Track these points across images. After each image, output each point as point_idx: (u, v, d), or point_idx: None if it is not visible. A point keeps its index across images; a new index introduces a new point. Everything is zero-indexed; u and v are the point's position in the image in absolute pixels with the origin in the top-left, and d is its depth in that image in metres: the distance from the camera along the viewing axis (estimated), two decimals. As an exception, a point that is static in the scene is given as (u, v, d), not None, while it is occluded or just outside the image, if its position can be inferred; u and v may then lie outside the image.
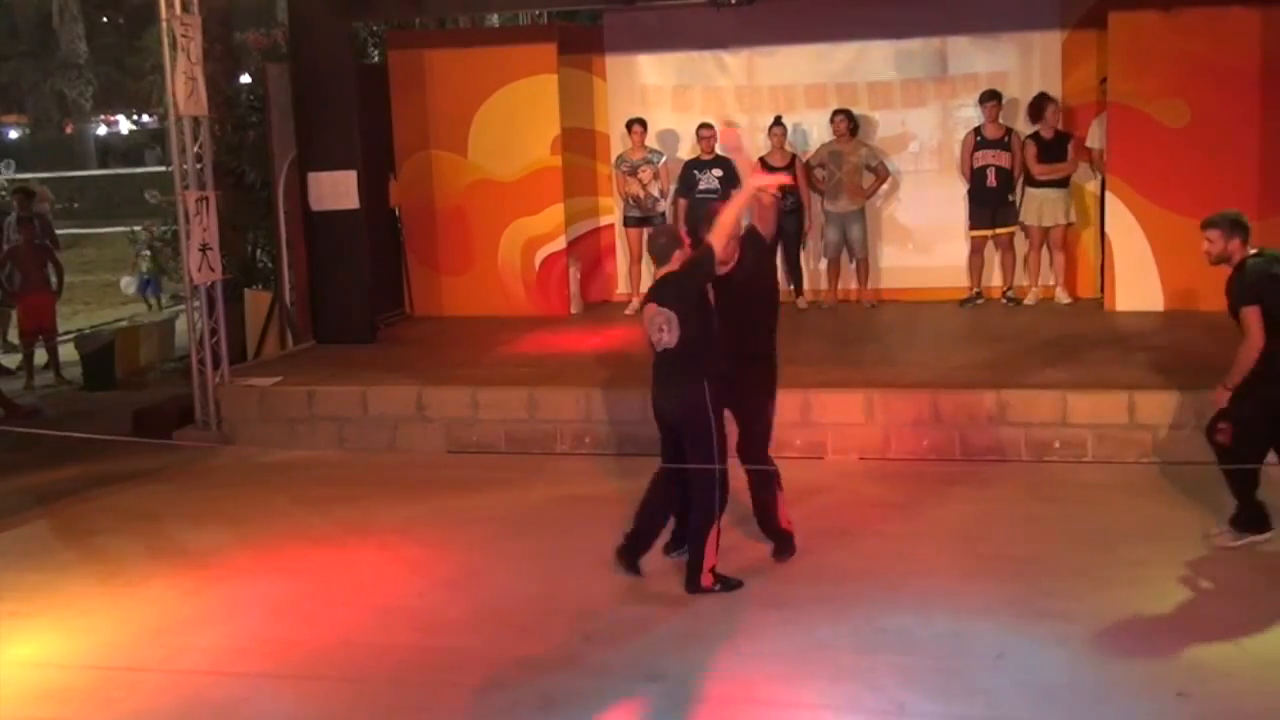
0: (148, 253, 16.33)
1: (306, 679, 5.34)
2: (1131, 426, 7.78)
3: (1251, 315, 5.94)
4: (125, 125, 39.38)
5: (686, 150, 11.75)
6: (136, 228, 16.75)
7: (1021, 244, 11.22)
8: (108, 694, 5.27)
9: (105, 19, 35.88)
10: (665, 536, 6.30)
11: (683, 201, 11.42)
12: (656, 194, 11.54)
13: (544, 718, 4.92)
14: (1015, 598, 5.81)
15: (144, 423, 9.73)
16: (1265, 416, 6.09)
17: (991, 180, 10.95)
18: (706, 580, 5.95)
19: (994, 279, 11.34)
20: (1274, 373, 6.00)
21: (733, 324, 6.02)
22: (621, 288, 12.08)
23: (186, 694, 5.23)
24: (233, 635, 5.81)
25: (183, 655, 5.61)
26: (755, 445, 6.33)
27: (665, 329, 5.78)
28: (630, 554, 6.17)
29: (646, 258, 11.54)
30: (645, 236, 11.59)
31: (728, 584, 6.00)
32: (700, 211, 6.99)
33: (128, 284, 16.95)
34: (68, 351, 12.66)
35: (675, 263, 5.94)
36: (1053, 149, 10.84)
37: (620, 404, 8.39)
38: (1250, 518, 6.25)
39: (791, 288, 11.55)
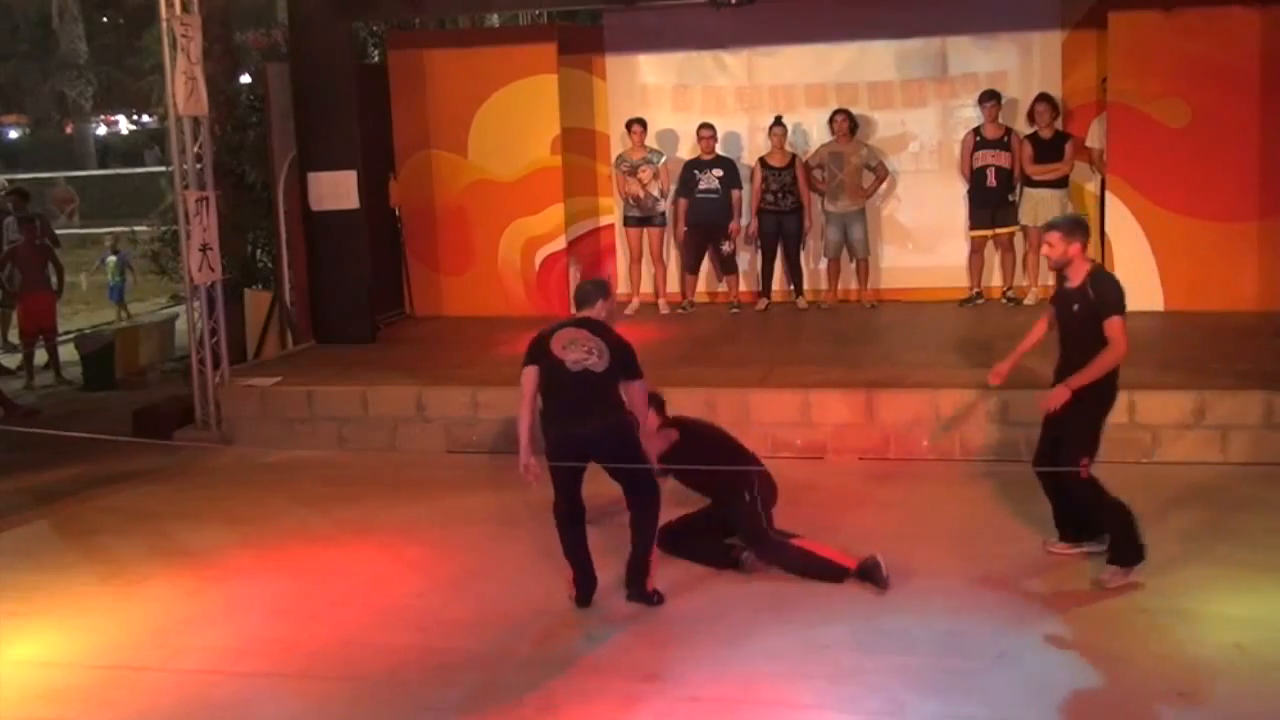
0: (113, 258, 16.31)
1: (307, 679, 5.34)
2: (1131, 426, 7.76)
3: (1120, 326, 5.85)
4: (125, 125, 39.33)
5: (686, 150, 11.75)
6: (138, 227, 16.71)
7: (1021, 244, 11.23)
8: (108, 694, 5.27)
9: (105, 19, 35.82)
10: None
11: (683, 201, 11.44)
12: (656, 194, 11.55)
13: (544, 718, 4.93)
14: (1015, 598, 5.81)
15: (144, 423, 9.72)
16: (1097, 434, 6.00)
17: (991, 180, 10.95)
18: (651, 585, 5.96)
19: (994, 279, 11.34)
20: (1109, 390, 5.97)
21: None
22: (622, 288, 12.07)
23: (187, 694, 5.24)
24: (233, 635, 5.82)
25: (183, 655, 5.62)
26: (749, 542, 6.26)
27: (596, 354, 5.80)
28: (586, 599, 6.03)
29: (646, 258, 11.72)
30: (644, 237, 11.67)
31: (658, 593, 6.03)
32: None
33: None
34: (68, 351, 12.67)
35: (599, 311, 5.99)
36: (1049, 149, 10.82)
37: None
38: (1135, 546, 5.93)
39: (791, 288, 11.58)
